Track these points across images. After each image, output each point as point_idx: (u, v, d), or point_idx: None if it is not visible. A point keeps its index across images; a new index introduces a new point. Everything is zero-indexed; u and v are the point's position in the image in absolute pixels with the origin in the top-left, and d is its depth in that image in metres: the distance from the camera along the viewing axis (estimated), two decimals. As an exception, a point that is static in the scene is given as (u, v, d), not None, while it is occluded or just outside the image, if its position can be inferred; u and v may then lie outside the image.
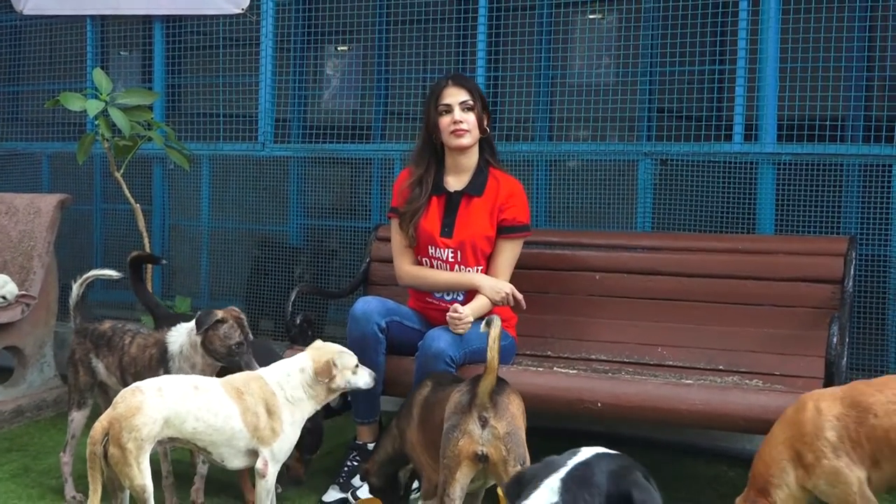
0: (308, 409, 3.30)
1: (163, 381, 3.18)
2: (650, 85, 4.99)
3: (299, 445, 3.55)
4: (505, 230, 3.91)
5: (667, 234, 4.60)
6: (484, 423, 2.93)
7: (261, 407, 3.20)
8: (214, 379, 3.28)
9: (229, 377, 3.31)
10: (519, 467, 2.87)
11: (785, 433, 2.94)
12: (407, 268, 4.02)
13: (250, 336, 3.60)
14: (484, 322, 2.99)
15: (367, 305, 3.80)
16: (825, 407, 2.88)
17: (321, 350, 3.35)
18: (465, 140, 3.90)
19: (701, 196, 4.59)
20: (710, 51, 4.62)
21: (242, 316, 3.62)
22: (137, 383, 3.16)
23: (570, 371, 3.93)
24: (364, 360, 3.56)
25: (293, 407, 3.25)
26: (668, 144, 4.67)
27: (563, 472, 1.76)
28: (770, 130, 4.39)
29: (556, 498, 1.70)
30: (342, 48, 6.29)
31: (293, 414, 3.24)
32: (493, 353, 2.91)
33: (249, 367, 3.49)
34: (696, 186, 4.60)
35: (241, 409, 3.17)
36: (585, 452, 1.82)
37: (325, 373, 3.28)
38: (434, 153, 4.00)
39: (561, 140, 5.13)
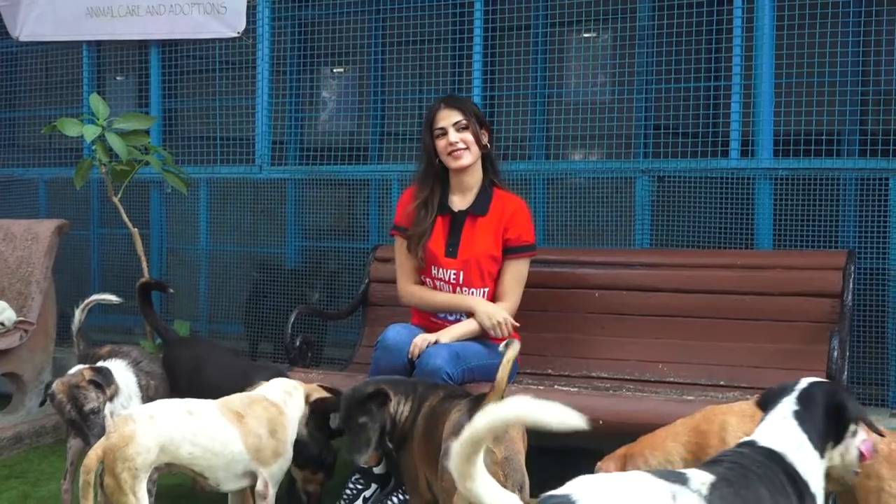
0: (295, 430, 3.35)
1: (155, 407, 3.17)
2: (646, 102, 5.02)
3: (323, 468, 3.60)
4: (510, 250, 3.93)
5: (665, 250, 4.62)
6: None
7: (264, 428, 3.20)
8: (210, 402, 3.28)
9: (226, 399, 3.32)
10: (517, 493, 2.84)
11: (688, 436, 2.97)
12: (409, 287, 4.04)
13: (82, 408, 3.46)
14: (503, 343, 2.96)
15: (399, 336, 3.76)
16: (734, 423, 2.91)
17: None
18: (465, 160, 3.93)
19: (699, 212, 4.60)
20: (706, 67, 4.65)
21: (79, 384, 3.45)
22: (129, 411, 3.16)
23: (571, 389, 3.94)
24: None
25: (293, 425, 3.28)
26: (665, 161, 4.68)
27: (796, 389, 2.46)
28: (766, 146, 4.40)
29: (796, 406, 2.40)
30: (338, 70, 6.32)
31: (293, 432, 3.28)
32: (503, 372, 2.85)
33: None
34: (694, 203, 4.61)
35: (241, 433, 3.16)
36: (804, 381, 2.48)
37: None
38: (437, 175, 4.02)
39: (558, 159, 5.15)
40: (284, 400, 3.32)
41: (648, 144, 4.98)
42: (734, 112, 4.46)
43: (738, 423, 2.90)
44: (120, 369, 3.71)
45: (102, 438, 3.05)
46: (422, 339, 3.74)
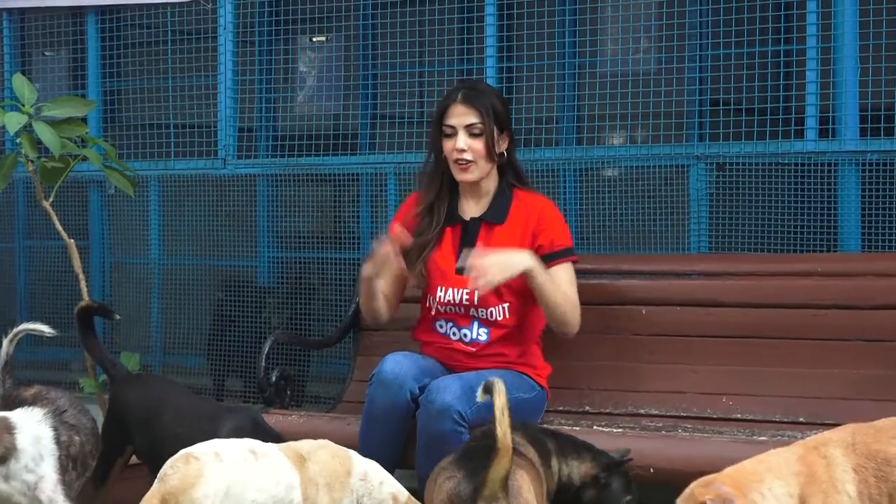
0: None
1: (217, 444, 3.24)
2: (701, 73, 5.01)
3: None
4: (549, 257, 3.93)
5: (727, 255, 4.62)
6: None
7: (322, 478, 3.25)
8: (270, 444, 3.34)
9: (293, 443, 3.38)
10: None
11: (798, 466, 2.95)
12: None
13: None
14: (481, 389, 2.95)
15: (399, 367, 3.77)
16: (839, 455, 2.91)
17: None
18: (470, 175, 3.96)
19: (768, 207, 4.60)
20: (774, 28, 4.64)
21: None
22: (188, 449, 3.20)
23: (614, 430, 3.93)
24: (385, 434, 3.58)
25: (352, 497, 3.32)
26: (726, 145, 4.68)
27: None
28: (851, 124, 4.39)
29: None
30: (319, 39, 6.33)
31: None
32: (503, 428, 2.79)
33: None
34: (762, 195, 4.61)
35: (302, 479, 3.22)
36: None
37: None
38: (446, 175, 4.04)
39: (592, 144, 5.15)
40: (365, 472, 3.33)
41: (704, 125, 4.96)
42: (810, 83, 4.45)
43: (844, 455, 2.90)
44: (34, 420, 3.70)
45: (157, 484, 3.09)
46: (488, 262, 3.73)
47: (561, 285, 3.92)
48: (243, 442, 3.30)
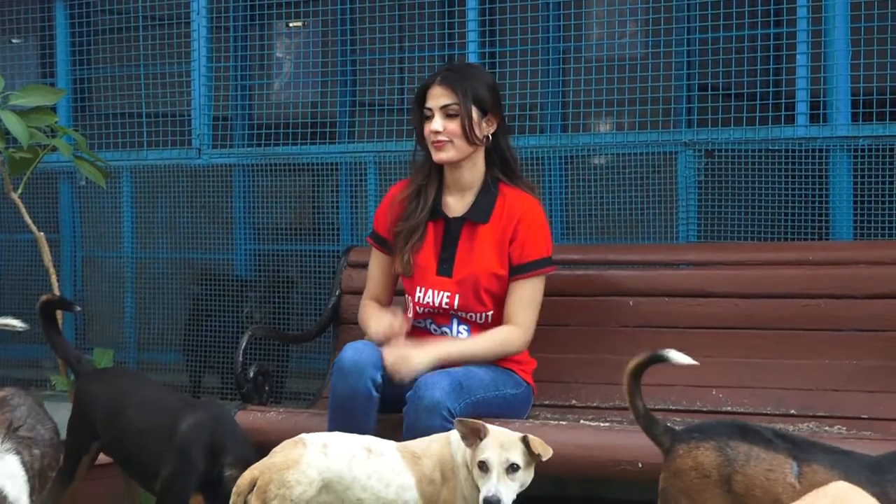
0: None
1: (330, 437, 3.33)
2: (689, 57, 5.02)
3: None
4: (513, 270, 3.94)
5: (717, 244, 4.64)
6: None
7: (438, 472, 3.29)
8: (389, 442, 3.39)
9: (410, 442, 3.41)
10: None
11: None
12: (364, 302, 4.21)
13: None
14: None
15: (359, 355, 3.80)
16: None
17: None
18: (445, 154, 3.96)
19: (758, 195, 4.61)
20: (764, 10, 4.65)
21: None
22: (302, 434, 3.31)
23: (602, 424, 3.95)
24: (350, 424, 3.60)
25: (463, 478, 3.32)
26: (715, 131, 4.69)
27: None
28: (842, 109, 4.41)
29: None
30: (296, 24, 6.32)
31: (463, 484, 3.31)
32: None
33: None
34: (752, 183, 4.62)
35: (417, 478, 3.26)
36: None
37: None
38: (435, 164, 4.05)
39: (578, 131, 5.16)
40: (457, 440, 3.32)
41: (693, 110, 4.98)
42: (801, 66, 4.47)
43: None
44: (8, 465, 3.62)
45: (265, 458, 3.23)
46: (397, 358, 3.77)
47: (511, 305, 3.95)
48: (362, 439, 3.36)
